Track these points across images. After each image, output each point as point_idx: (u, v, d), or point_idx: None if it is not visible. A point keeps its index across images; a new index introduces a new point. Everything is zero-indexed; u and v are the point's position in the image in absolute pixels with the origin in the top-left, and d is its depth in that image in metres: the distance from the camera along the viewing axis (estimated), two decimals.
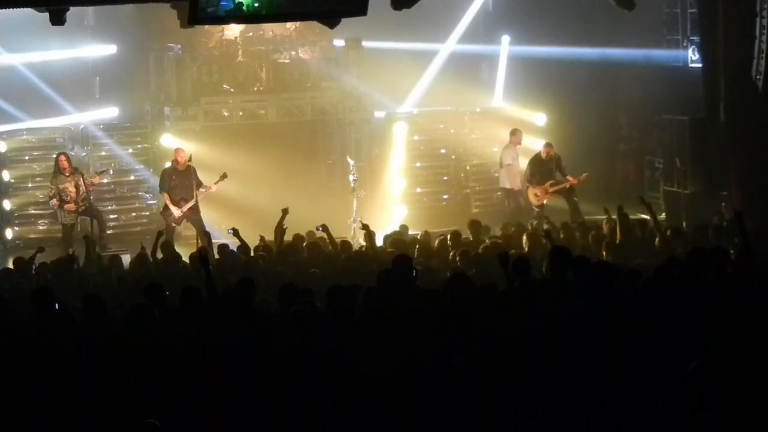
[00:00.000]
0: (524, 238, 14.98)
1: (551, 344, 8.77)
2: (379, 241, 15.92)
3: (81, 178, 19.60)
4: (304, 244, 15.29)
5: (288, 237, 15.62)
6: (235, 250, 15.07)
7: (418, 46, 23.42)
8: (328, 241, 15.29)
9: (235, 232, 15.38)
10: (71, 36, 21.30)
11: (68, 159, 19.94)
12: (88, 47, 22.45)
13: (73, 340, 9.44)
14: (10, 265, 15.48)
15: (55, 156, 20.16)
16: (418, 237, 16.33)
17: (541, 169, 20.79)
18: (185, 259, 14.94)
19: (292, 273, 13.04)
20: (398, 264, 10.98)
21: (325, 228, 15.47)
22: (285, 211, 15.78)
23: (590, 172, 20.97)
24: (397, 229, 17.65)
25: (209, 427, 8.24)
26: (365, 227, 15.34)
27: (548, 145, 21.03)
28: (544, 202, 20.68)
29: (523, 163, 21.46)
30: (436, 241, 15.52)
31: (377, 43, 22.84)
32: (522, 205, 21.00)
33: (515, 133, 21.63)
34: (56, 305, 10.49)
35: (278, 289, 10.59)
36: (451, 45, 23.92)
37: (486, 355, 8.59)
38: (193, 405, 8.34)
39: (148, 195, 22.17)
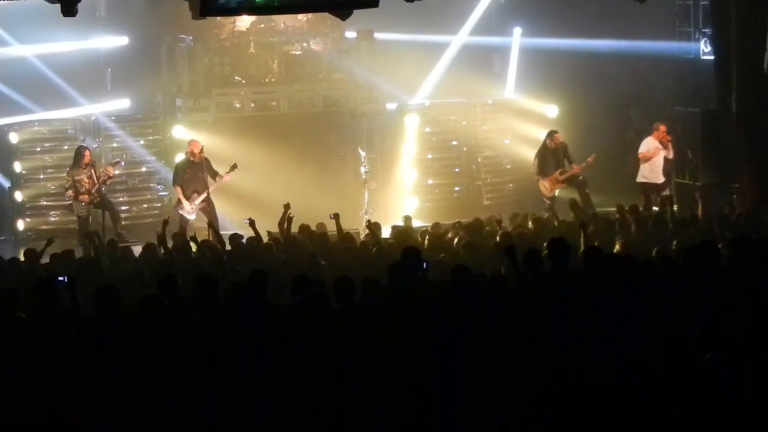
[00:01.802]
0: (530, 222, 15.00)
1: (558, 335, 8.78)
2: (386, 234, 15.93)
3: (93, 170, 19.65)
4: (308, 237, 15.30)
5: (295, 228, 15.56)
6: (244, 241, 15.06)
7: (430, 38, 23.42)
8: (336, 230, 15.30)
9: (251, 223, 15.35)
10: (83, 27, 21.28)
11: (91, 153, 20.02)
12: (99, 38, 22.45)
13: (83, 330, 9.45)
14: (21, 256, 15.48)
15: (75, 148, 20.21)
16: (429, 229, 16.31)
17: (550, 159, 20.70)
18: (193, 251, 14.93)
19: (300, 264, 13.04)
20: (407, 256, 11.00)
21: (336, 217, 15.47)
22: (287, 207, 15.66)
23: (600, 162, 20.90)
24: (403, 220, 17.66)
25: (224, 418, 8.26)
26: (369, 226, 15.34)
27: (554, 132, 20.90)
28: (556, 193, 20.64)
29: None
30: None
31: (389, 35, 22.84)
32: (652, 202, 19.82)
33: (657, 128, 20.88)
34: (64, 278, 10.49)
35: (291, 279, 10.62)
36: (463, 37, 23.90)
37: (492, 348, 8.60)
38: (208, 396, 8.37)
39: (159, 186, 22.17)
